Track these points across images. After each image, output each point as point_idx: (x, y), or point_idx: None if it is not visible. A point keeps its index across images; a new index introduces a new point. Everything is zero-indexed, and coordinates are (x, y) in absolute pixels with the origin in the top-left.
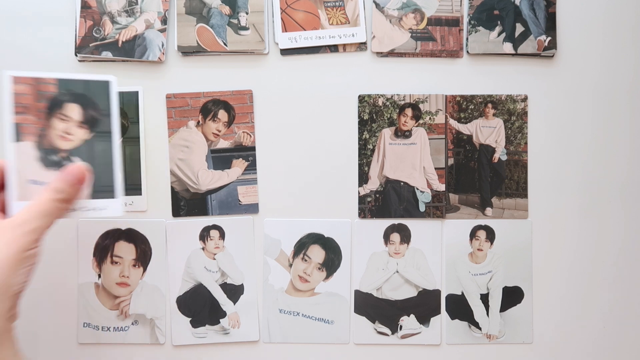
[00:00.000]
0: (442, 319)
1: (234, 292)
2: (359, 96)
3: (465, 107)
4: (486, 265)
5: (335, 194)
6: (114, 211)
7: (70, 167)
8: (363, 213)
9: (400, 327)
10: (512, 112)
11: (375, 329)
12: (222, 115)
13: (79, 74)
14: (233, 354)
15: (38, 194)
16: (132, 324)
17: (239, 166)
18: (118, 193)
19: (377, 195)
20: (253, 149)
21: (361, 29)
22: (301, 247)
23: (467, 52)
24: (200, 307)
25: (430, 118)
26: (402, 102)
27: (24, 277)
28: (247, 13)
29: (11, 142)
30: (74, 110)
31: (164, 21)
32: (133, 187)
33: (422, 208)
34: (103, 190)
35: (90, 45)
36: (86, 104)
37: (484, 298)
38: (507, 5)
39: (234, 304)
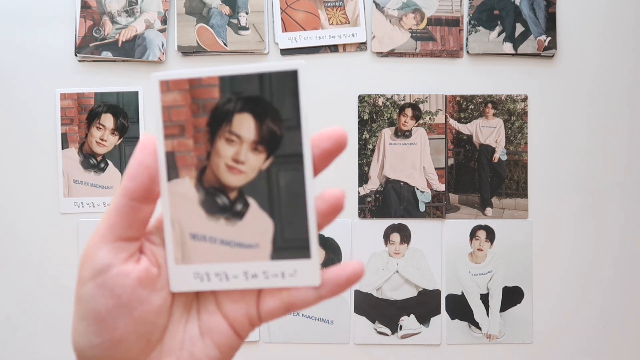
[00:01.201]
0: (442, 319)
1: None
2: (359, 96)
3: (465, 107)
4: (486, 265)
5: None
6: (307, 279)
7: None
8: (363, 213)
9: (400, 327)
10: (512, 112)
11: (375, 329)
12: None
13: (248, 65)
14: None
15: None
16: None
17: None
18: (313, 250)
19: (377, 195)
20: None
21: (361, 29)
22: None
23: (467, 52)
24: None
25: (430, 118)
26: (402, 102)
27: (77, 328)
28: (247, 13)
29: (165, 180)
30: (246, 127)
31: (164, 21)
32: None
33: (422, 208)
34: (289, 246)
35: (90, 45)
36: (263, 114)
37: (484, 298)
38: (507, 5)
39: None
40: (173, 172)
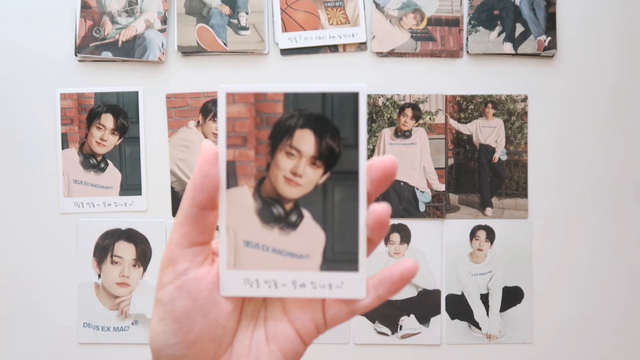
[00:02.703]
0: (442, 319)
1: None
2: None
3: (465, 107)
4: (486, 265)
5: None
6: (353, 292)
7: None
8: None
9: (400, 327)
10: (512, 112)
11: (375, 329)
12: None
13: (312, 84)
14: None
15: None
16: (132, 324)
17: None
18: (361, 264)
19: (377, 195)
20: None
21: (361, 29)
22: None
23: (467, 52)
24: None
25: (430, 118)
26: (402, 102)
27: (156, 328)
28: (247, 13)
29: (224, 187)
30: (306, 142)
31: (164, 21)
32: (133, 187)
33: (422, 208)
34: (338, 259)
35: (90, 45)
36: (323, 132)
37: (484, 298)
38: (507, 5)
39: None
40: (232, 180)
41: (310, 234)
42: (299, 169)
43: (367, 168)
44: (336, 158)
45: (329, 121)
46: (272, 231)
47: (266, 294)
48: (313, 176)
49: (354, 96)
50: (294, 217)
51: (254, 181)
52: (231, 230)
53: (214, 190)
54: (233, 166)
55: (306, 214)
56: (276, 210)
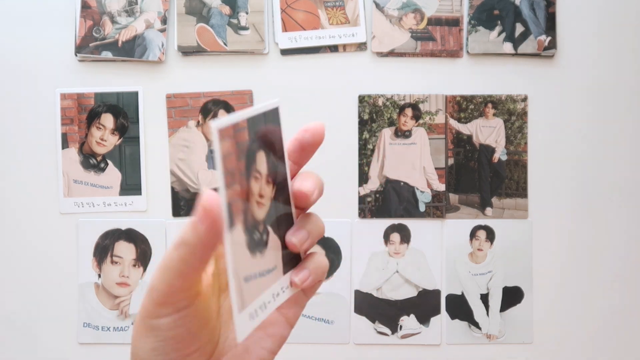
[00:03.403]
0: (442, 319)
1: None
2: (359, 96)
3: (465, 107)
4: (486, 265)
5: (335, 193)
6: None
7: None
8: (363, 213)
9: (400, 327)
10: (512, 112)
11: (375, 329)
12: (222, 115)
13: (254, 107)
14: None
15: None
16: (132, 324)
17: None
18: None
19: (377, 195)
20: None
21: (361, 29)
22: None
23: (467, 52)
24: None
25: (430, 118)
26: (402, 102)
27: (149, 348)
28: (247, 13)
29: (227, 227)
30: (263, 163)
31: (164, 21)
32: (133, 187)
33: (422, 208)
34: (290, 258)
35: (90, 45)
36: (270, 149)
37: (484, 298)
38: (507, 5)
39: None
40: (231, 221)
41: (274, 246)
42: (263, 190)
43: (302, 131)
44: (279, 171)
45: (272, 139)
46: (255, 257)
47: (262, 318)
48: (270, 193)
49: (276, 110)
50: (264, 236)
51: (242, 215)
52: (235, 272)
53: (218, 243)
54: (230, 207)
55: (269, 228)
56: (256, 236)
